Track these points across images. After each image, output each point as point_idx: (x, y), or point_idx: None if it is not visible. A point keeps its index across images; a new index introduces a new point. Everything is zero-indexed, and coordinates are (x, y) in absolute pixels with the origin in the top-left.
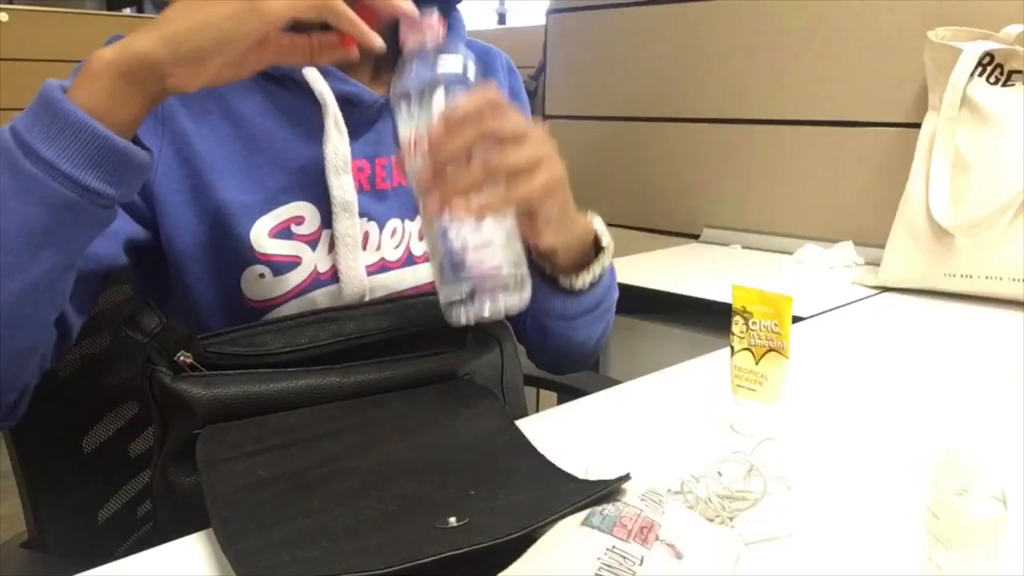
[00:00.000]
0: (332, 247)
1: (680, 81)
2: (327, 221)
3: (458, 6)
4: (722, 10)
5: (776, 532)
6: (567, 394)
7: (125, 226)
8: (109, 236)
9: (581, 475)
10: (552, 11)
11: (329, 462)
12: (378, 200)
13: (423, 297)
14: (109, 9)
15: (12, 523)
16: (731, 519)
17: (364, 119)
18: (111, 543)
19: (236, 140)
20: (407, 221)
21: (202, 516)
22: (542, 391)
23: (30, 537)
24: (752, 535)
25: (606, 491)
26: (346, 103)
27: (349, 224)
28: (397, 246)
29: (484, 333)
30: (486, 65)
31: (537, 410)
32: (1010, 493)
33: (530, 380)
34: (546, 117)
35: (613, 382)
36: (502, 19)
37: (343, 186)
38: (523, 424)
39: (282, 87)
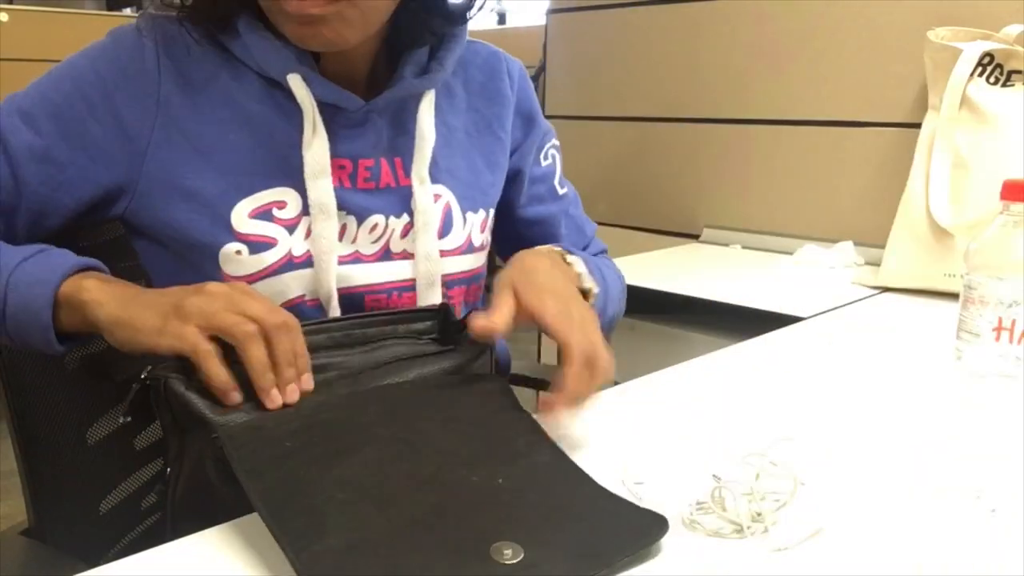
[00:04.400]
0: (309, 234)
1: (680, 81)
2: (306, 209)
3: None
4: (722, 10)
5: (806, 532)
6: None
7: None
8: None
9: (622, 486)
10: (552, 11)
11: (358, 431)
12: (360, 196)
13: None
14: (109, 9)
15: (12, 523)
16: (766, 531)
17: (349, 122)
18: (112, 535)
19: (231, 121)
20: (391, 218)
21: (215, 505)
22: (542, 392)
23: (30, 526)
24: (785, 539)
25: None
26: (330, 107)
27: (325, 225)
28: (375, 241)
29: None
30: (492, 68)
31: (537, 410)
32: (1010, 493)
33: (530, 380)
34: (546, 117)
35: (613, 382)
36: (502, 19)
37: (320, 188)
38: None
39: (276, 86)
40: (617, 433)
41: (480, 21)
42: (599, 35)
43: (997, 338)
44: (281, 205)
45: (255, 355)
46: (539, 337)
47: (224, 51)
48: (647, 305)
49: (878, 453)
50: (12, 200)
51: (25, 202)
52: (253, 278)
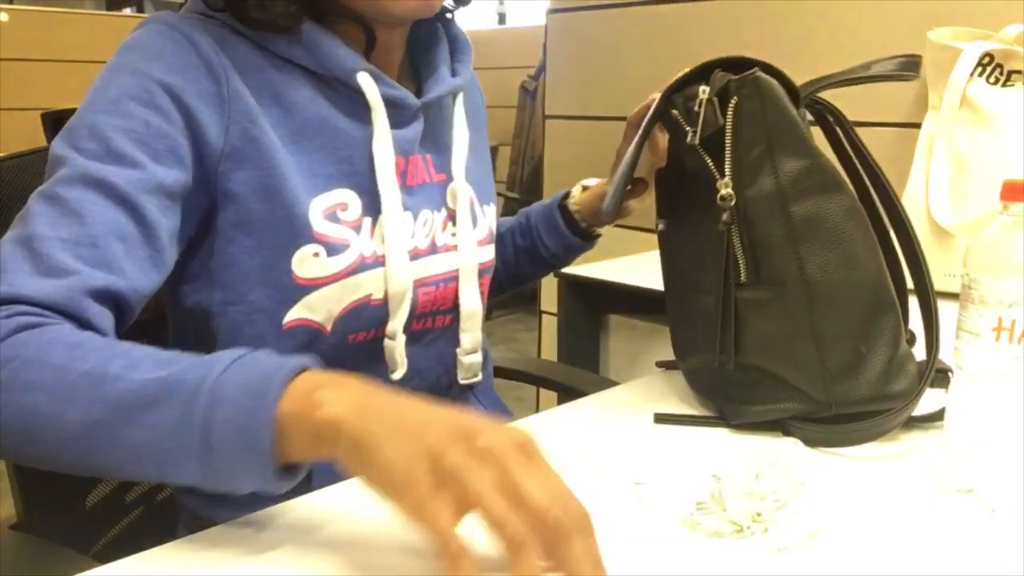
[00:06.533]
0: (372, 234)
1: None
2: (367, 209)
3: (457, 12)
4: (722, 10)
5: (806, 532)
6: (567, 394)
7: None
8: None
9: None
10: (552, 11)
11: None
12: (410, 194)
13: None
14: (109, 9)
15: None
16: (766, 531)
17: (403, 119)
18: (97, 529)
19: (290, 124)
20: (435, 212)
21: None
22: (542, 391)
23: (19, 520)
24: (785, 539)
25: None
26: (390, 104)
27: (398, 223)
28: (426, 235)
29: None
30: (470, 83)
31: (537, 410)
32: (1010, 493)
33: (530, 379)
34: (546, 117)
35: (613, 382)
36: (502, 19)
37: (394, 186)
38: (523, 424)
39: (332, 88)
40: (617, 433)
41: (480, 21)
42: (599, 35)
43: (997, 338)
44: (344, 207)
45: (524, 572)
46: (539, 336)
47: (263, 49)
48: (647, 305)
49: (878, 453)
50: (148, 250)
51: (156, 248)
52: (327, 280)
